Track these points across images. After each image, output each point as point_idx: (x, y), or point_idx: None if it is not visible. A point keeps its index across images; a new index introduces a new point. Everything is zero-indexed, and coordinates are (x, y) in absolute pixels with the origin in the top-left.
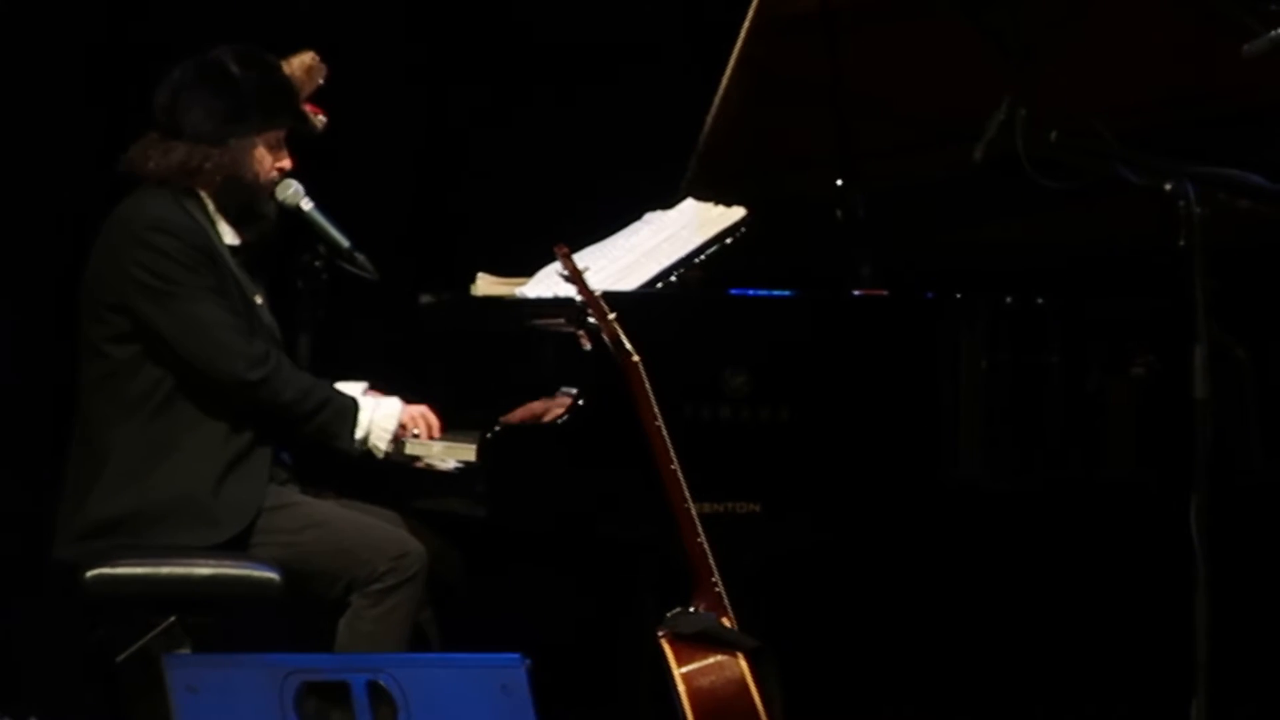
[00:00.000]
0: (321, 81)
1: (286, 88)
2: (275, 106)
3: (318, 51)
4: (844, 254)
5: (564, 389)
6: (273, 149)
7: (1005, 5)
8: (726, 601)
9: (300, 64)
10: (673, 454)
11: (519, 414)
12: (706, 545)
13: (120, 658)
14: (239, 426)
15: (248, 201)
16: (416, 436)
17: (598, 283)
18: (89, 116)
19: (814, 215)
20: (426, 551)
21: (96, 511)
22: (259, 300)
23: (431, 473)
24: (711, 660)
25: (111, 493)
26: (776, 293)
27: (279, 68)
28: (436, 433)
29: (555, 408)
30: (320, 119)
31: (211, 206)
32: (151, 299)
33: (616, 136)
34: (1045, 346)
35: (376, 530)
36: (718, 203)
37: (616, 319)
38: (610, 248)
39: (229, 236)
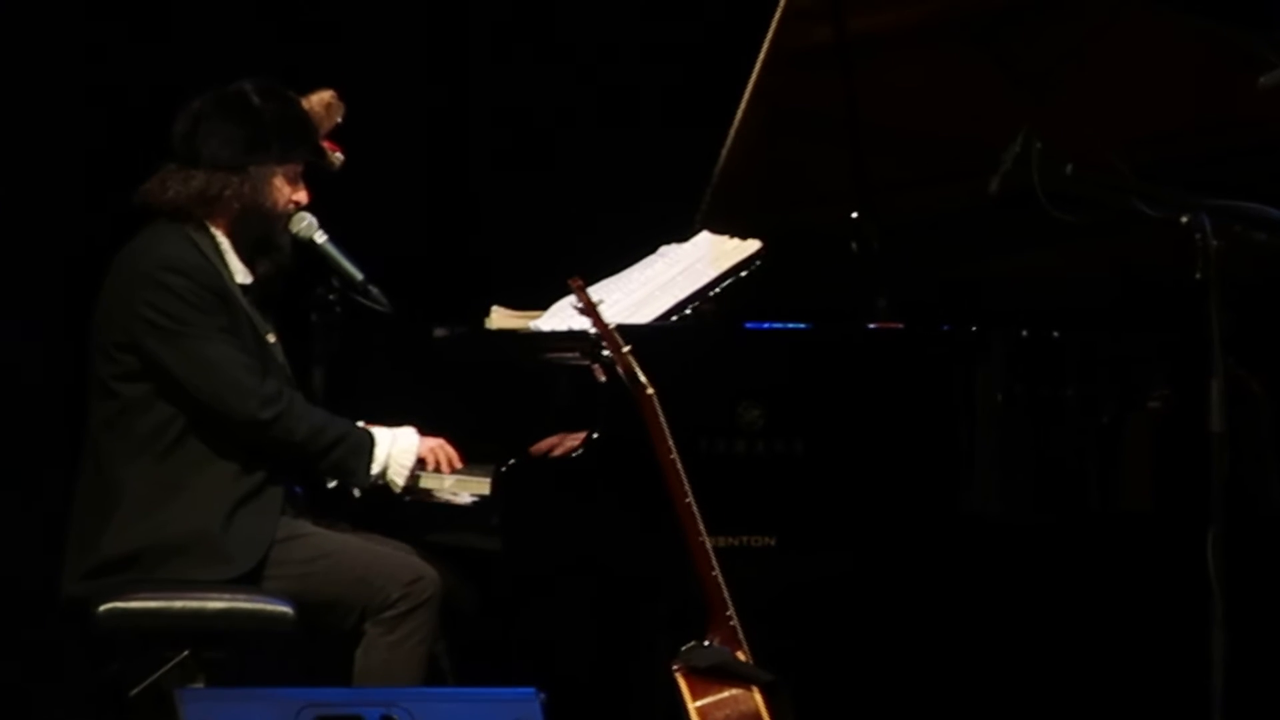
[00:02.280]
0: (340, 119)
1: (306, 121)
2: (294, 138)
3: (334, 88)
4: (859, 287)
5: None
6: (290, 182)
7: (1017, 36)
8: (741, 635)
9: (320, 100)
10: (687, 487)
11: (547, 444)
12: (721, 579)
13: (133, 692)
14: (250, 465)
15: (264, 234)
16: (436, 470)
17: (612, 315)
18: (105, 148)
19: (829, 248)
20: (440, 578)
21: (108, 549)
22: (271, 339)
23: (446, 506)
24: (726, 694)
25: (123, 531)
26: (791, 325)
27: (298, 101)
28: (457, 464)
29: (568, 442)
30: (338, 156)
31: (225, 243)
32: (162, 338)
33: (632, 169)
34: (1061, 380)
35: (389, 557)
36: (733, 235)
37: (631, 352)
38: (625, 280)
39: (241, 275)
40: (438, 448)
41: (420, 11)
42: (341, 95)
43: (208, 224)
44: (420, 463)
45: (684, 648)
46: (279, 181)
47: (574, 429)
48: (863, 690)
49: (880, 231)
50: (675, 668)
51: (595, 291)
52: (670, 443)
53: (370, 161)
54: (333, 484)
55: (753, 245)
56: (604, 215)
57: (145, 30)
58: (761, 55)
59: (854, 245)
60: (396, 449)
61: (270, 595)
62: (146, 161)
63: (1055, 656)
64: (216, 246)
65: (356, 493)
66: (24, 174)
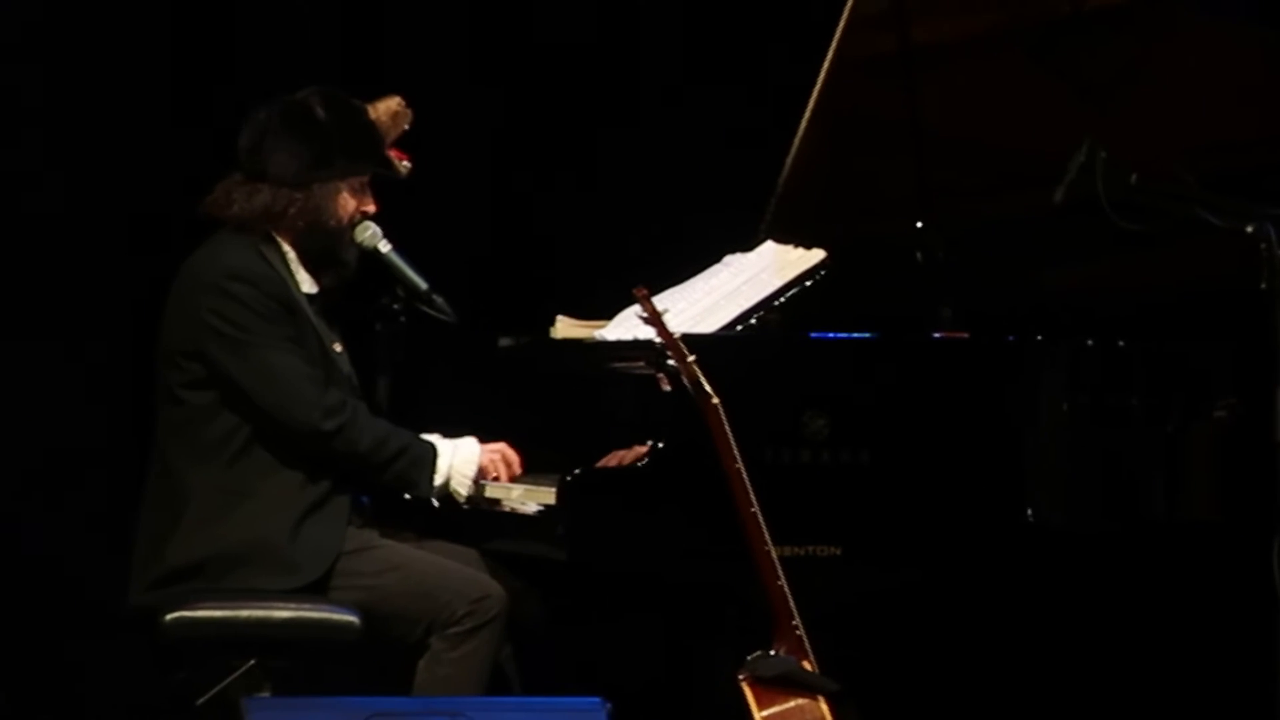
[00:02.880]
0: (407, 127)
1: (371, 132)
2: (360, 151)
3: (399, 94)
4: (924, 296)
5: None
6: (356, 193)
7: (1080, 46)
8: (807, 644)
9: (386, 109)
10: (753, 497)
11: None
12: (787, 588)
13: (200, 701)
14: (316, 473)
15: (329, 246)
16: (496, 479)
17: (677, 325)
18: (172, 156)
19: (894, 257)
20: (506, 593)
21: (174, 558)
22: (337, 348)
23: (511, 515)
24: (792, 704)
25: (188, 539)
26: (856, 335)
27: (364, 111)
28: (517, 470)
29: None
30: (405, 164)
31: (291, 254)
32: (227, 347)
33: (697, 178)
34: (1126, 389)
35: (456, 573)
36: (797, 245)
37: (696, 361)
38: (690, 290)
39: (307, 285)
40: (498, 456)
41: (485, 18)
42: (407, 102)
43: (274, 234)
44: (482, 472)
45: (750, 657)
46: (344, 196)
47: (639, 439)
48: (929, 701)
49: (945, 241)
50: (741, 677)
51: (660, 301)
52: (735, 452)
53: (435, 170)
54: (409, 495)
55: (817, 255)
56: (669, 224)
57: (210, 36)
58: (826, 64)
59: (919, 254)
60: (458, 459)
61: (336, 605)
62: (213, 169)
63: (1120, 666)
64: (283, 257)
65: (435, 502)
66: (89, 180)
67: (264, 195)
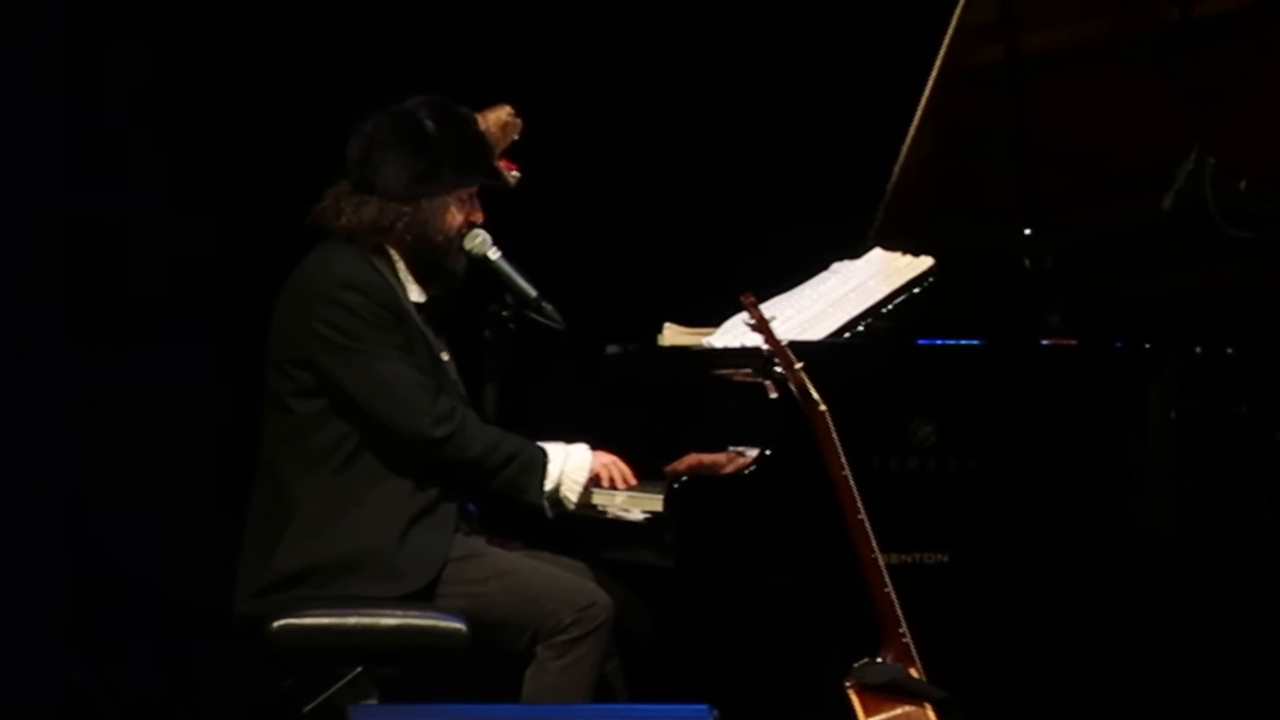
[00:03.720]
0: (516, 137)
1: (481, 145)
2: (468, 163)
3: (506, 100)
4: (1032, 303)
5: (733, 448)
6: (464, 205)
7: (1189, 53)
8: (914, 652)
9: (496, 119)
10: (860, 504)
11: (684, 464)
12: (894, 595)
13: (307, 708)
14: (424, 482)
15: (437, 258)
16: (609, 487)
17: (784, 332)
18: (281, 163)
19: (1002, 264)
20: (613, 602)
21: (281, 565)
22: (445, 357)
23: (618, 522)
24: (899, 711)
25: (295, 546)
26: (964, 342)
27: (474, 123)
28: (630, 480)
29: (725, 461)
30: (514, 174)
31: (400, 263)
32: (336, 355)
33: (805, 185)
34: (1235, 396)
35: (562, 581)
36: (905, 252)
37: (803, 368)
38: (797, 297)
39: (415, 293)
40: (610, 464)
41: (593, 24)
42: (515, 110)
43: (383, 244)
44: (594, 480)
45: (857, 664)
46: (452, 209)
47: (745, 445)
48: (1037, 709)
49: (1053, 248)
50: (848, 684)
51: (767, 308)
52: (843, 459)
53: (543, 177)
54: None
55: (925, 262)
56: (776, 231)
57: (319, 44)
58: (934, 72)
59: (1027, 261)
60: (569, 466)
61: (443, 612)
62: (323, 175)
63: (1229, 674)
64: (392, 266)
65: (549, 512)
66: (197, 190)
67: (372, 208)
